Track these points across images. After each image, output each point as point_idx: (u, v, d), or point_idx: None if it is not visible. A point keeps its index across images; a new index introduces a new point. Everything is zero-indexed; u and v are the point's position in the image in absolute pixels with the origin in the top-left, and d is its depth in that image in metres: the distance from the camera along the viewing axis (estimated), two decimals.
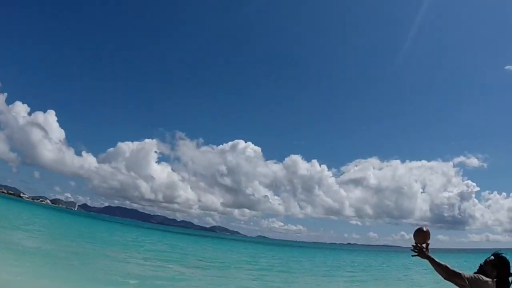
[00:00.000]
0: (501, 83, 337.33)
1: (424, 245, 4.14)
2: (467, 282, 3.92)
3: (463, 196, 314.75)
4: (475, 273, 4.07)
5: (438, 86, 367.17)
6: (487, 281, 3.94)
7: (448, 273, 3.94)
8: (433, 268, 4.04)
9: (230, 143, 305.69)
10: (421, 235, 4.14)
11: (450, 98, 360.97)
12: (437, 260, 3.98)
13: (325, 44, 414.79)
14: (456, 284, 4.00)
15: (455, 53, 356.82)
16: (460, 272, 3.95)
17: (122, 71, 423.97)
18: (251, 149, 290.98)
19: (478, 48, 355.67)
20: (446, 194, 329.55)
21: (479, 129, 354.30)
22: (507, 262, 4.11)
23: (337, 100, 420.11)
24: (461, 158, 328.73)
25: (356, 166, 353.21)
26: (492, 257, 4.18)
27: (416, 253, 4.16)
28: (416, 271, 34.88)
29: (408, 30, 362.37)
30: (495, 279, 3.99)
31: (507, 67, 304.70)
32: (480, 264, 4.22)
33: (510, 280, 4.08)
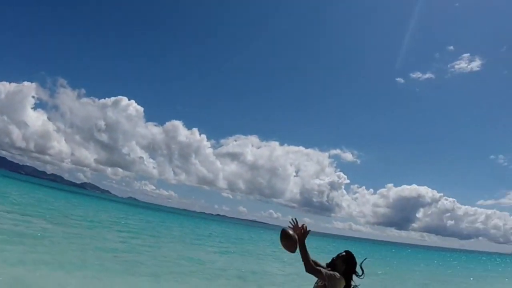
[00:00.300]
0: (389, 93, 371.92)
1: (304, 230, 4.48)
2: (326, 278, 4.48)
3: (333, 186, 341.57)
4: (327, 264, 4.71)
5: (330, 84, 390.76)
6: (340, 278, 4.55)
7: (310, 269, 4.43)
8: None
9: (113, 98, 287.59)
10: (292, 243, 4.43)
11: (340, 96, 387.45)
12: (308, 252, 4.42)
13: (233, 16, 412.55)
14: (315, 276, 4.54)
15: (354, 56, 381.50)
16: (320, 269, 4.48)
17: (9, 6, 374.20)
18: (133, 107, 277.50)
19: (373, 57, 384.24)
20: (317, 181, 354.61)
21: (360, 129, 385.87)
22: (355, 260, 4.78)
23: (227, 73, 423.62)
24: (337, 151, 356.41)
25: (236, 141, 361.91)
26: (344, 253, 4.77)
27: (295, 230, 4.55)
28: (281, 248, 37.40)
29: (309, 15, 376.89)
30: (343, 274, 4.60)
31: (397, 79, 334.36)
32: (333, 258, 4.79)
33: (355, 274, 4.69)
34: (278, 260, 25.56)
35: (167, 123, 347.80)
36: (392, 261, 42.16)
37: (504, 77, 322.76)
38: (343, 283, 4.52)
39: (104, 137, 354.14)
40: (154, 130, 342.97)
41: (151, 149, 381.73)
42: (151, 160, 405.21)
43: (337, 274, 4.54)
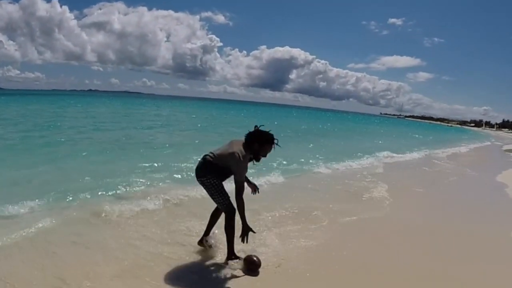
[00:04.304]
0: None
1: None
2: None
3: (205, 49, 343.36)
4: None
5: None
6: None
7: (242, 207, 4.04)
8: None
9: None
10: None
11: None
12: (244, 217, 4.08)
13: None
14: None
15: None
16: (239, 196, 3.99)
17: None
18: None
19: None
20: (189, 46, 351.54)
21: None
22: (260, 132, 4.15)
23: None
24: (208, 13, 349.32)
25: (100, 9, 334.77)
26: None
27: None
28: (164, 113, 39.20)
29: None
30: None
31: None
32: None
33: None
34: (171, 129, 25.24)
35: None
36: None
37: None
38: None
39: None
40: (9, 9, 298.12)
41: (10, 30, 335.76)
42: (11, 42, 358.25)
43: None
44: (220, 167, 4.09)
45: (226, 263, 4.24)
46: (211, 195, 4.21)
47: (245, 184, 4.23)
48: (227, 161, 4.04)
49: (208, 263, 4.34)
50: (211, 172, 4.13)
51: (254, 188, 4.57)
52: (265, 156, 4.20)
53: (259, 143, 4.09)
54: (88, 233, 4.99)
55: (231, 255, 4.27)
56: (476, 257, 5.21)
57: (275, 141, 4.15)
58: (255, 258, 4.15)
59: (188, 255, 4.48)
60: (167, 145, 14.20)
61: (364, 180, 10.46)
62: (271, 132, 4.18)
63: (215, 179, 4.13)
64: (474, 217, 7.65)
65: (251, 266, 4.09)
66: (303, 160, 12.47)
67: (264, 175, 8.98)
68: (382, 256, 4.97)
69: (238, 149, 4.04)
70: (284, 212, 6.50)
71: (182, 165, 9.72)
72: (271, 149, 4.17)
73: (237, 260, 4.22)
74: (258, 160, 4.25)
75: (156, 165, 9.70)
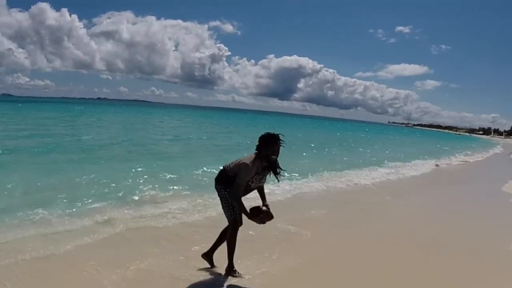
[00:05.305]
0: None
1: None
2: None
3: (214, 58, 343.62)
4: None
5: None
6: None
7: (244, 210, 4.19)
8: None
9: None
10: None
11: None
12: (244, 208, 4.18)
13: None
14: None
15: None
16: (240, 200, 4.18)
17: None
18: None
19: None
20: (198, 55, 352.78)
21: None
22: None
23: None
24: (216, 23, 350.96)
25: (109, 18, 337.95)
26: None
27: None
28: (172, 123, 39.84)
29: None
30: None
31: None
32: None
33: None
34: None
35: (32, 7, 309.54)
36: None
37: None
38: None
39: None
40: (19, 17, 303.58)
41: (19, 38, 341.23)
42: (20, 50, 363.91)
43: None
44: (233, 177, 4.21)
45: (226, 274, 4.42)
46: (222, 204, 4.37)
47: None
48: (237, 169, 4.21)
49: (209, 271, 4.54)
50: (225, 183, 4.29)
51: (262, 210, 4.34)
52: (275, 155, 4.22)
53: (265, 147, 4.19)
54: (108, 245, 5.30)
55: (231, 267, 4.42)
56: (471, 267, 5.35)
57: (280, 138, 4.21)
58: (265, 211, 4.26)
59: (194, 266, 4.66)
60: (210, 160, 13.03)
61: (379, 189, 10.92)
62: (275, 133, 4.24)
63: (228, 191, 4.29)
64: (474, 227, 7.68)
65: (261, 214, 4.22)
66: (335, 170, 13.20)
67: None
68: (380, 261, 5.18)
69: (248, 158, 4.22)
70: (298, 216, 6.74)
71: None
72: (278, 147, 4.21)
73: (236, 274, 4.38)
74: (274, 166, 4.33)
75: (196, 180, 9.71)
